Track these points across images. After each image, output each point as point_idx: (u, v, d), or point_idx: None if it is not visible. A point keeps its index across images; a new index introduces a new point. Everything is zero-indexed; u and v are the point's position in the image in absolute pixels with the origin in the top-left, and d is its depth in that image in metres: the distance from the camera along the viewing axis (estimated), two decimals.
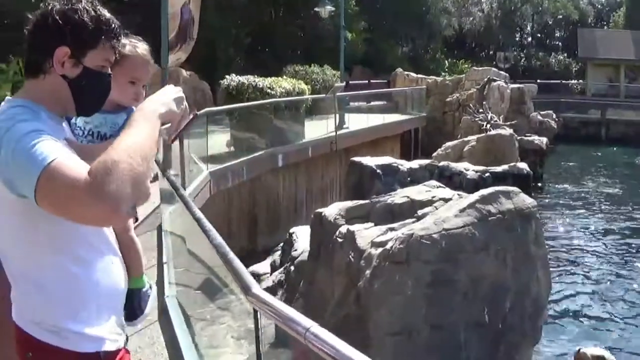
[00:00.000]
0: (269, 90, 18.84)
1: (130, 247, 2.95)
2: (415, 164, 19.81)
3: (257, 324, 2.82)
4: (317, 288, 9.49)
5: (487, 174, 20.99)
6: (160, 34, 13.35)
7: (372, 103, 36.17)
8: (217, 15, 35.16)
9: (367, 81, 42.40)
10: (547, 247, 16.15)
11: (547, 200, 22.73)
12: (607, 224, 19.83)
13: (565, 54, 64.99)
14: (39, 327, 2.39)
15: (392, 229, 8.28)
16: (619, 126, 43.98)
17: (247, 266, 10.53)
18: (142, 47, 2.94)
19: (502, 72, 33.42)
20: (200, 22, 31.53)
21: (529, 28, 72.76)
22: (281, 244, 13.57)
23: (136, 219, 3.08)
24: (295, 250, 11.63)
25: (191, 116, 2.98)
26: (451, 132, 29.25)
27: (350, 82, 41.03)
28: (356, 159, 18.72)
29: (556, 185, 26.61)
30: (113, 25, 2.45)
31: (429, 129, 31.99)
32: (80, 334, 2.40)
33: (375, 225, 9.01)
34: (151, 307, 3.02)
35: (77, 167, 2.04)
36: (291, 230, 12.96)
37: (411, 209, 8.83)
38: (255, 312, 2.79)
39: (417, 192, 9.55)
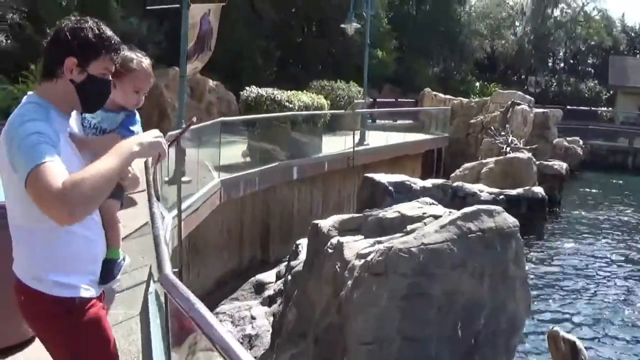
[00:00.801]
0: (287, 104, 19.09)
1: (112, 225, 3.57)
2: (428, 183, 19.97)
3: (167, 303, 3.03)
4: (308, 297, 9.69)
5: (501, 196, 21.08)
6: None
7: (399, 122, 36.39)
8: (246, 28, 35.64)
9: (394, 99, 42.55)
10: (552, 270, 16.33)
11: (561, 225, 22.61)
12: (618, 251, 19.58)
13: (597, 81, 64.47)
14: (28, 277, 3.18)
15: (379, 242, 8.44)
16: None
17: (255, 275, 10.82)
18: (146, 63, 3.62)
19: (527, 96, 33.27)
20: (229, 34, 31.97)
21: (561, 54, 72.17)
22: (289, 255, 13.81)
23: (121, 204, 3.70)
24: (297, 260, 11.84)
25: (188, 123, 3.63)
26: (474, 154, 29.20)
27: (377, 99, 41.25)
28: (370, 175, 18.89)
29: (573, 211, 26.33)
30: (113, 41, 3.18)
31: (453, 150, 31.99)
32: (60, 283, 3.16)
33: (365, 238, 9.19)
34: (121, 273, 3.62)
35: (56, 175, 2.73)
36: (298, 242, 13.16)
37: (402, 224, 8.98)
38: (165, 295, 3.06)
39: (409, 207, 9.71)
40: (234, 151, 18.44)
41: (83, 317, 3.23)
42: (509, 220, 8.44)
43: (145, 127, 3.59)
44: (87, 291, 3.25)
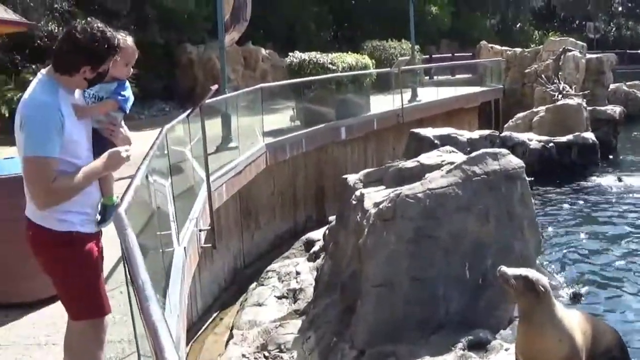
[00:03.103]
0: (330, 66, 19.43)
1: (105, 177, 4.32)
2: (475, 134, 20.06)
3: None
4: (340, 248, 10.15)
5: (550, 144, 21.08)
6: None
7: (457, 76, 36.35)
8: None
9: (450, 54, 42.42)
10: (592, 215, 16.19)
11: (614, 170, 22.07)
12: None
13: None
14: (34, 214, 4.01)
15: (396, 191, 8.79)
16: None
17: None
18: (130, 40, 4.42)
19: (579, 42, 32.92)
20: (281, 2, 32.44)
21: None
22: None
23: None
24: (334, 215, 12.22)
25: (212, 89, 4.65)
26: (530, 104, 28.95)
27: (433, 55, 41.21)
28: (415, 130, 19.15)
29: (629, 157, 25.53)
30: (115, 42, 3.98)
31: (510, 102, 31.81)
32: (59, 219, 3.97)
33: (386, 188, 9.61)
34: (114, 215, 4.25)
35: (50, 173, 3.78)
36: None
37: (421, 173, 9.28)
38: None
39: (428, 157, 10.07)
40: (284, 117, 18.95)
41: (78, 249, 4.05)
42: (514, 162, 8.66)
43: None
44: (83, 227, 4.07)
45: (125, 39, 4.37)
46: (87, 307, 4.17)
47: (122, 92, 4.48)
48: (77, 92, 4.21)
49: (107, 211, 4.29)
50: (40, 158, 3.77)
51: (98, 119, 4.36)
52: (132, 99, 4.61)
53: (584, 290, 10.93)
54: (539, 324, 6.32)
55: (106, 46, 3.93)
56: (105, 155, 4.09)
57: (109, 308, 4.30)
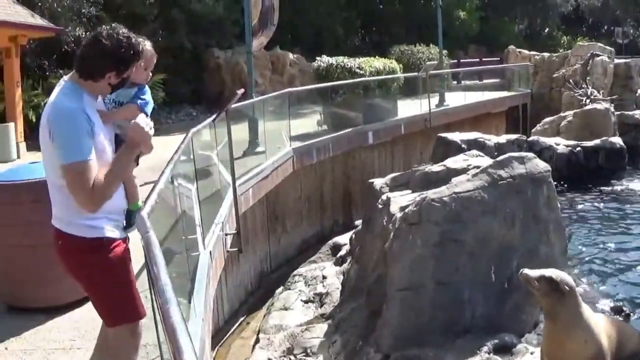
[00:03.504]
0: (357, 70, 19.47)
1: (130, 183, 4.41)
2: (503, 138, 19.90)
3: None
4: (366, 252, 10.14)
5: (577, 148, 20.93)
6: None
7: (485, 81, 36.22)
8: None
9: (478, 59, 42.29)
10: (624, 217, 16.07)
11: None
12: None
13: None
14: (62, 223, 4.02)
15: (422, 195, 8.79)
16: None
17: None
18: (149, 45, 4.51)
19: (607, 47, 32.59)
20: (309, 6, 32.54)
21: None
22: None
23: (137, 164, 4.40)
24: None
25: (238, 93, 4.70)
26: (558, 108, 28.76)
27: (461, 60, 41.09)
28: (443, 134, 19.08)
29: None
30: (139, 48, 4.04)
31: (538, 106, 31.58)
32: (88, 226, 3.97)
33: (413, 192, 9.61)
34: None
35: (91, 177, 3.76)
36: None
37: (447, 177, 9.26)
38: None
39: (454, 161, 10.04)
40: (312, 121, 19.00)
41: (108, 254, 4.06)
42: (540, 166, 8.63)
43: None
44: (112, 232, 4.09)
45: (145, 44, 4.41)
46: (122, 312, 4.17)
47: (142, 97, 4.54)
48: (100, 99, 4.26)
49: (132, 216, 4.34)
50: (79, 163, 3.77)
51: (120, 124, 4.39)
52: (152, 103, 4.64)
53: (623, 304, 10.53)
54: (564, 325, 6.30)
55: (132, 52, 3.96)
56: (127, 133, 4.13)
57: (144, 311, 4.25)
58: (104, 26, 4.09)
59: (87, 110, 3.87)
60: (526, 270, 6.19)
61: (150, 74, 4.66)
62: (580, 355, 6.33)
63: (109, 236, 4.06)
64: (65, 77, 4.07)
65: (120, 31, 3.95)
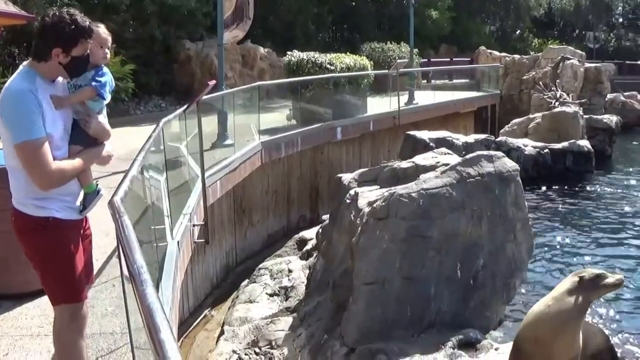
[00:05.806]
0: (328, 66, 19.46)
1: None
2: (471, 138, 20.10)
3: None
4: (333, 246, 10.15)
5: (545, 150, 21.17)
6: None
7: (454, 81, 36.40)
8: None
9: (449, 59, 42.52)
10: (583, 221, 16.32)
11: (607, 179, 22.05)
12: None
13: None
14: (17, 202, 4.16)
15: (390, 190, 8.82)
16: None
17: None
18: (103, 27, 4.53)
19: (577, 51, 33.00)
20: (280, 1, 32.47)
21: (620, 8, 70.48)
22: None
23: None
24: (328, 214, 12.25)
25: (209, 84, 4.66)
26: (527, 111, 29.03)
27: (432, 59, 41.30)
28: (411, 132, 19.18)
29: (624, 167, 25.58)
30: (86, 27, 4.09)
31: (506, 108, 31.88)
32: (37, 206, 4.11)
33: (380, 188, 9.64)
34: (95, 202, 4.46)
35: (49, 157, 3.94)
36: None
37: (415, 174, 9.32)
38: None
39: (423, 158, 10.10)
40: (281, 116, 18.97)
41: (54, 234, 4.18)
42: (509, 165, 8.70)
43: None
44: (59, 213, 4.20)
45: (98, 25, 4.46)
46: (62, 291, 4.26)
47: (98, 78, 4.46)
48: (63, 84, 4.32)
49: (87, 198, 4.40)
50: (31, 142, 3.89)
51: (76, 109, 4.37)
52: (111, 84, 4.57)
53: None
54: (578, 320, 6.34)
55: (74, 27, 4.02)
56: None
57: (85, 295, 4.37)
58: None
59: (37, 94, 3.96)
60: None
61: (108, 53, 4.62)
62: (570, 351, 6.37)
63: (56, 216, 4.18)
64: (25, 63, 4.18)
65: (66, 10, 4.07)
